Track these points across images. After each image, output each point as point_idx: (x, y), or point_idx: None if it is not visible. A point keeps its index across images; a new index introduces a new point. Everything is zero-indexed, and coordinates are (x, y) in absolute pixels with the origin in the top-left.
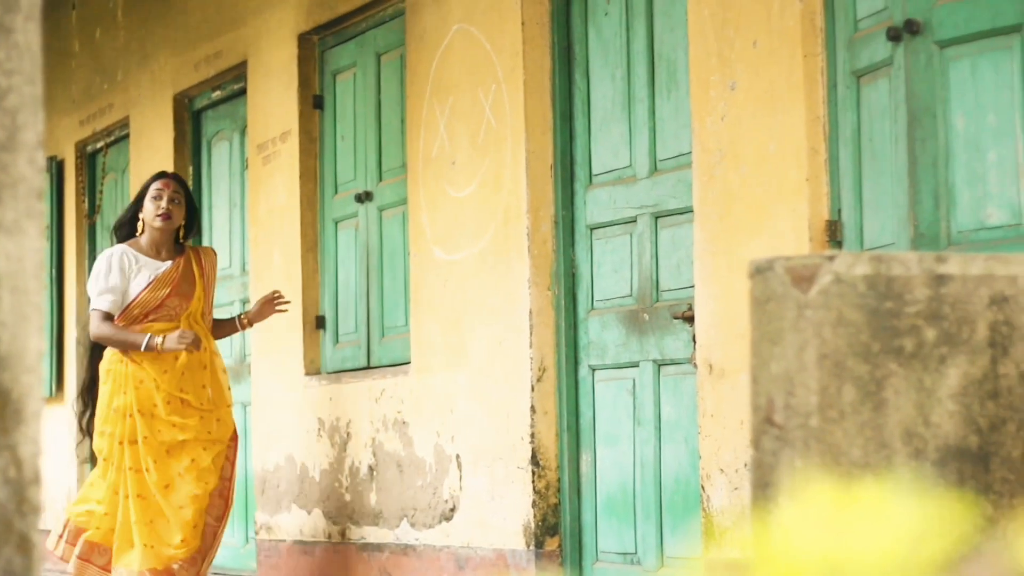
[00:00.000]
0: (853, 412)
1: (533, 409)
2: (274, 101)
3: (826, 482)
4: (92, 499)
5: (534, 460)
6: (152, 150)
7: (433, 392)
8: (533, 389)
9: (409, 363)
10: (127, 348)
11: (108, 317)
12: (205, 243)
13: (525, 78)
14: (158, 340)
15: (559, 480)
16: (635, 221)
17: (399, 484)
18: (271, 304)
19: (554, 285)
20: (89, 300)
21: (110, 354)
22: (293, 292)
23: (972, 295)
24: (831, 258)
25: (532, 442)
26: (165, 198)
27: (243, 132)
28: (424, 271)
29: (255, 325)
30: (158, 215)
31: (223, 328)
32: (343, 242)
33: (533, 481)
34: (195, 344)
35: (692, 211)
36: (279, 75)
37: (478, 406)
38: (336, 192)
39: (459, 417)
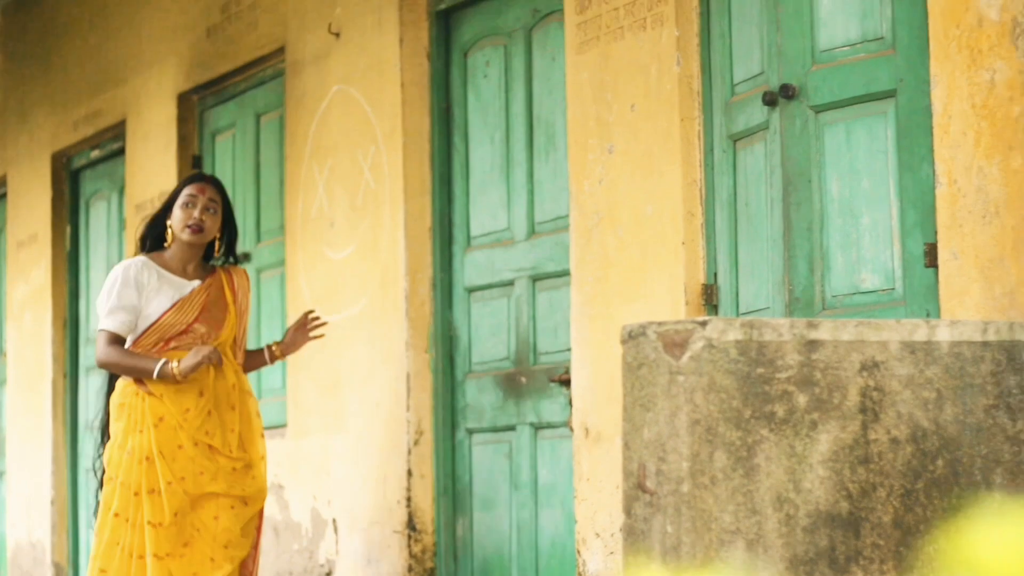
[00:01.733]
0: (724, 478)
1: (410, 472)
2: (153, 161)
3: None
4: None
5: (411, 524)
6: (29, 209)
7: (310, 455)
8: (410, 452)
9: (286, 426)
10: (138, 375)
11: (117, 340)
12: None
13: (404, 140)
14: (173, 364)
15: (436, 544)
16: (513, 284)
17: (275, 548)
18: (304, 330)
19: (432, 348)
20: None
21: (123, 385)
22: None
23: (843, 361)
24: (703, 324)
25: (409, 506)
26: (199, 206)
27: (122, 192)
28: None
29: (288, 357)
30: (188, 226)
31: (250, 361)
32: None
33: (410, 545)
34: (215, 360)
35: (569, 274)
36: (158, 135)
37: (355, 469)
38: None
39: (336, 480)
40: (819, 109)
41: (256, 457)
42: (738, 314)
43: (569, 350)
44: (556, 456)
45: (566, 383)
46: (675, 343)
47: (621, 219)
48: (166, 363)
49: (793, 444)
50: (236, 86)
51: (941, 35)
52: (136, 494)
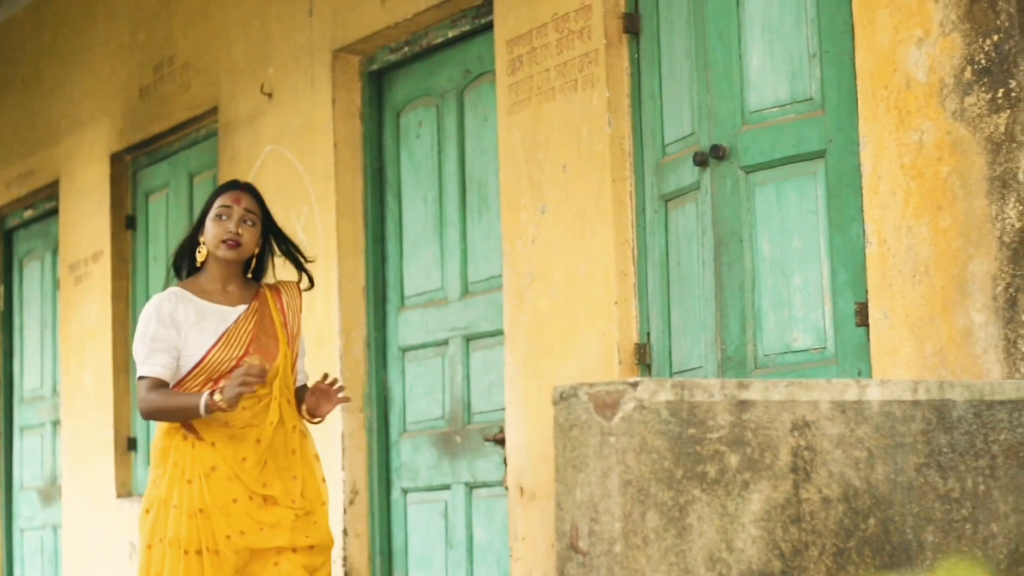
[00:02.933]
0: (657, 538)
1: (345, 532)
2: (86, 221)
3: None
4: None
5: None
6: None
7: None
8: (345, 512)
9: None
10: (186, 417)
11: (159, 386)
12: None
13: (337, 200)
14: (217, 396)
15: None
16: (447, 343)
17: None
18: (328, 395)
19: (366, 407)
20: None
21: (166, 429)
22: (104, 413)
23: (775, 421)
24: (634, 385)
25: (345, 565)
26: (234, 218)
27: (55, 251)
28: None
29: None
30: (223, 241)
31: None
32: None
33: None
34: (260, 378)
35: (503, 333)
36: (91, 194)
37: None
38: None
39: None
40: (749, 169)
41: (317, 503)
42: (671, 373)
43: (503, 409)
44: (491, 515)
45: (501, 442)
46: (606, 404)
47: (554, 279)
48: (210, 395)
49: (725, 504)
50: (169, 146)
51: (870, 96)
52: (187, 553)
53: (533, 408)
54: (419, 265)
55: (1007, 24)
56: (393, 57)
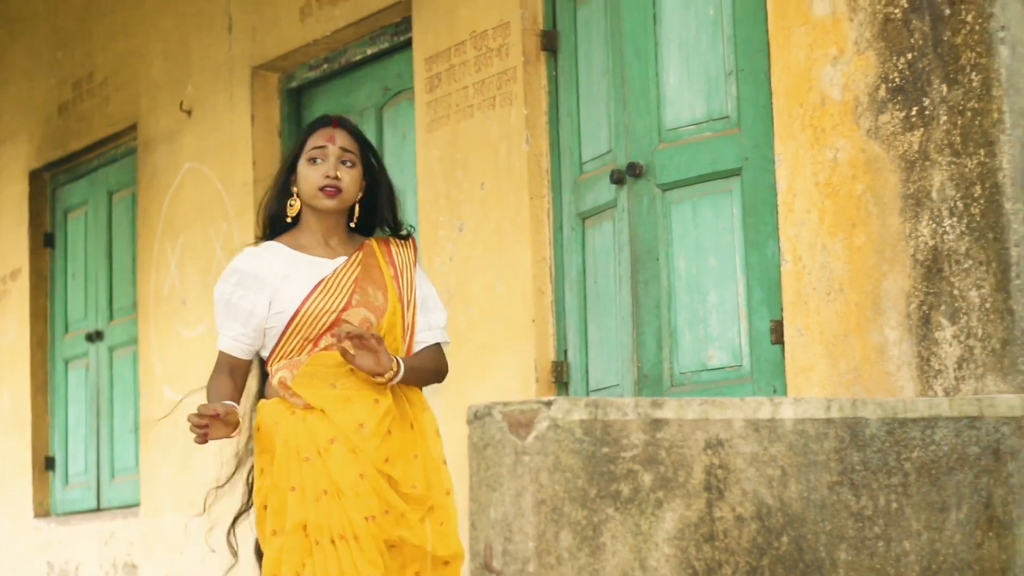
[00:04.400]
0: (571, 557)
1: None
2: (4, 238)
3: None
4: None
5: None
6: None
7: (163, 534)
8: None
9: (139, 505)
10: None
11: (230, 364)
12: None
13: (256, 217)
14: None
15: None
16: None
17: None
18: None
19: None
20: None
21: (266, 407)
22: (22, 433)
23: (688, 439)
24: (548, 404)
25: None
26: (331, 159)
27: None
28: (155, 411)
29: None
30: (321, 189)
31: (418, 368)
32: (73, 382)
33: None
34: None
35: None
36: (10, 212)
37: (208, 549)
38: (67, 331)
39: (189, 560)
40: (666, 187)
41: (440, 492)
42: (588, 391)
43: None
44: None
45: None
46: (520, 423)
47: (472, 297)
48: (231, 405)
49: (639, 523)
50: (88, 163)
51: (785, 114)
52: (318, 543)
53: (451, 427)
54: None
55: (921, 43)
56: (312, 74)
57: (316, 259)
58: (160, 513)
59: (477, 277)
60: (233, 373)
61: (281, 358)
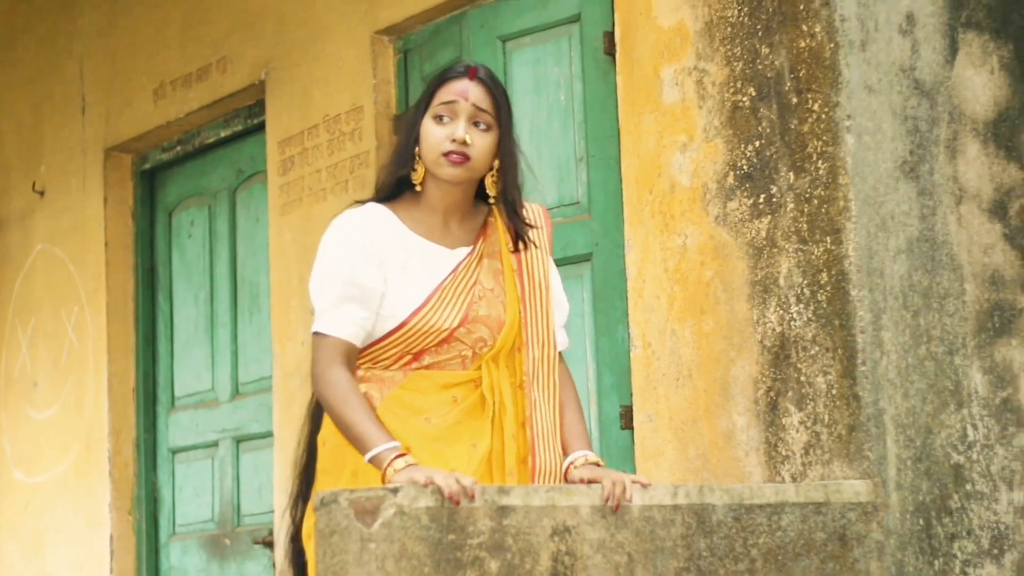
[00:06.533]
0: None
1: None
2: None
3: None
4: None
5: None
6: None
7: None
8: None
9: None
10: (352, 441)
11: (346, 353)
12: None
13: (108, 299)
14: (410, 462)
15: None
16: (217, 445)
17: None
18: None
19: (135, 509)
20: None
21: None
22: None
23: (535, 526)
24: (394, 491)
25: None
26: (461, 118)
27: None
28: (4, 493)
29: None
30: (444, 154)
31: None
32: None
33: None
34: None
35: (273, 435)
36: None
37: None
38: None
39: None
40: None
41: None
42: None
43: (273, 512)
44: None
45: (269, 545)
46: (367, 510)
47: None
48: (398, 454)
49: None
50: None
51: (635, 200)
52: None
53: None
54: (190, 366)
55: (768, 131)
56: (165, 156)
57: (434, 247)
58: None
59: None
60: (350, 365)
61: (370, 364)
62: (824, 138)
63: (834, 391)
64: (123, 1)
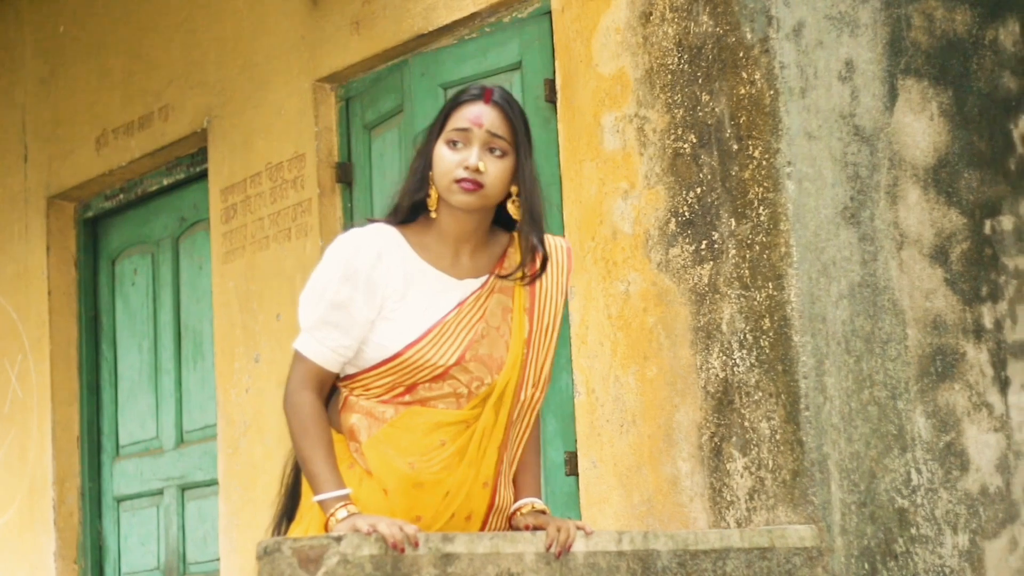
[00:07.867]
0: None
1: None
2: None
3: None
4: None
5: None
6: None
7: None
8: None
9: None
10: (306, 475)
11: (318, 377)
12: None
13: (52, 348)
14: (353, 512)
15: None
16: (162, 493)
17: None
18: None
19: (80, 558)
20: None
21: (339, 437)
22: None
23: (479, 573)
24: (338, 540)
25: None
26: (475, 145)
27: None
28: None
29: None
30: (457, 181)
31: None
32: None
33: None
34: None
35: (218, 483)
36: None
37: None
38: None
39: None
40: None
41: None
42: None
43: (218, 560)
44: None
45: None
46: (310, 559)
47: (268, 428)
48: (345, 502)
49: None
50: None
51: (577, 247)
52: None
53: (247, 559)
54: (134, 414)
55: (709, 177)
56: (108, 204)
57: (439, 276)
58: None
59: (273, 408)
60: (322, 390)
61: (362, 391)
62: (765, 184)
63: (778, 436)
64: (65, 50)
